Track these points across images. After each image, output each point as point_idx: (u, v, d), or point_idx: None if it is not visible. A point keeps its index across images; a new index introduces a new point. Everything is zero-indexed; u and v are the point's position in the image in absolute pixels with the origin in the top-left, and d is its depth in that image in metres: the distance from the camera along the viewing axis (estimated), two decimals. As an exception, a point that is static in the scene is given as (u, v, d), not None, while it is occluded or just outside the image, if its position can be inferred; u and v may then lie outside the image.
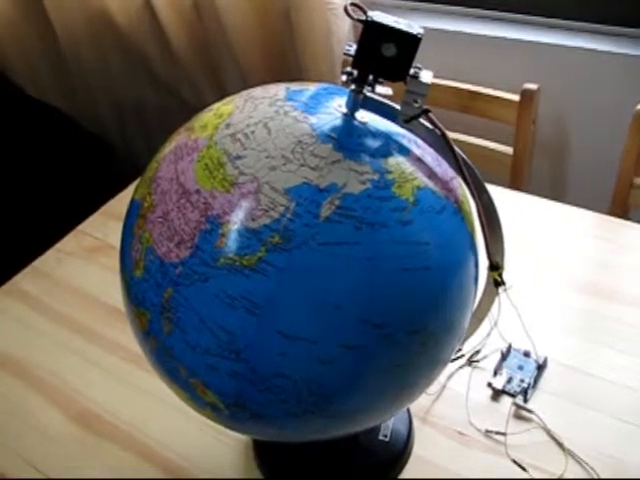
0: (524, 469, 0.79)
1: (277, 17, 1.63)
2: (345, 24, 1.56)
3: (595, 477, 0.77)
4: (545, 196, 1.21)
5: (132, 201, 0.63)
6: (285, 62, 1.72)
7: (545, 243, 1.11)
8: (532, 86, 1.40)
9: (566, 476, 0.78)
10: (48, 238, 1.22)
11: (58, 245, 1.21)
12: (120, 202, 1.25)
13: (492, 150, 1.50)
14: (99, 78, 1.95)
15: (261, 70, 1.74)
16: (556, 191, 1.70)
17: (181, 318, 0.55)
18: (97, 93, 1.99)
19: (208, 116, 0.61)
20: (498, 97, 1.45)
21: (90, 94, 2.00)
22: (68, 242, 1.21)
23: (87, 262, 1.16)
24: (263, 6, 1.63)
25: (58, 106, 1.99)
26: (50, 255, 1.19)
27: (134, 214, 0.61)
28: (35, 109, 1.95)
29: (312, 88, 0.63)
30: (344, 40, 1.56)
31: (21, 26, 1.89)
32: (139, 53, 1.86)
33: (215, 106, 0.64)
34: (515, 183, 1.50)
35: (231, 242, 0.52)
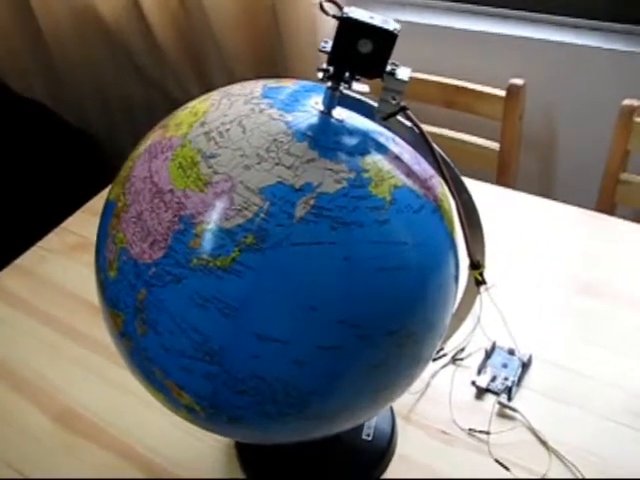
0: (507, 468, 0.78)
1: (263, 12, 1.62)
2: (331, 19, 1.55)
3: (579, 476, 0.77)
4: (532, 192, 1.21)
5: (107, 201, 0.62)
6: (271, 57, 1.71)
7: (531, 239, 1.10)
8: (518, 81, 1.39)
9: (549, 475, 0.78)
10: (31, 235, 1.21)
11: (41, 243, 1.20)
12: (104, 199, 1.24)
13: (478, 146, 1.50)
14: (85, 74, 1.94)
15: (247, 65, 1.73)
16: (543, 187, 1.70)
17: (155, 319, 0.54)
18: (83, 89, 1.98)
19: (184, 114, 0.61)
20: (484, 92, 1.45)
21: (76, 90, 1.99)
22: (51, 239, 1.21)
23: (70, 260, 1.15)
24: (249, 1, 1.62)
25: (44, 102, 1.98)
26: (33, 252, 1.18)
27: (109, 214, 0.60)
28: (20, 105, 1.94)
29: (290, 85, 0.62)
30: (330, 35, 1.54)
31: (6, 22, 1.88)
32: (125, 48, 1.85)
33: (191, 104, 0.63)
34: (502, 179, 1.49)
35: (205, 242, 0.52)
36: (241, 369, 0.53)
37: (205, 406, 0.56)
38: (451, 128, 1.50)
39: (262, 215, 0.51)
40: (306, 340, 0.52)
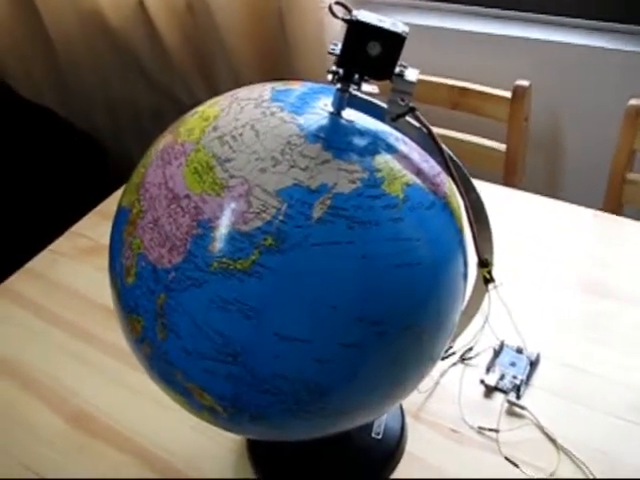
0: (516, 466, 0.79)
1: (270, 16, 1.63)
2: (338, 23, 1.56)
3: (587, 474, 0.77)
4: (538, 192, 1.22)
5: (120, 208, 0.63)
6: (278, 61, 1.72)
7: (539, 239, 1.11)
8: (524, 82, 1.40)
9: (558, 473, 0.78)
10: (42, 239, 1.22)
11: (52, 246, 1.21)
12: (114, 202, 1.23)
13: (485, 147, 1.50)
14: (93, 79, 1.94)
15: (254, 69, 1.73)
16: (549, 187, 1.71)
17: (176, 323, 0.54)
18: (91, 94, 1.99)
19: (194, 119, 0.61)
20: (490, 94, 1.46)
21: (84, 95, 1.99)
22: (62, 243, 1.21)
23: (81, 263, 1.16)
24: (255, 5, 1.62)
25: (52, 107, 1.99)
26: (44, 256, 1.19)
27: (122, 221, 0.60)
28: (29, 110, 1.95)
29: (298, 88, 0.63)
30: (337, 38, 1.55)
31: (15, 28, 1.88)
32: (132, 53, 1.86)
33: (200, 109, 0.63)
34: (508, 180, 1.50)
35: (224, 246, 0.52)
36: (263, 369, 0.54)
37: (227, 406, 0.57)
38: (457, 130, 1.51)
39: (280, 217, 0.52)
40: (327, 338, 0.53)
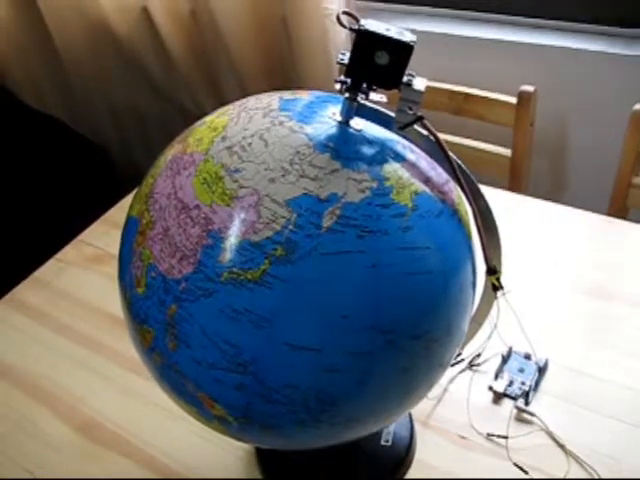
0: (526, 472, 0.79)
1: (274, 24, 1.64)
2: (342, 30, 1.56)
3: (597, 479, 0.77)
4: (544, 197, 1.22)
5: (129, 217, 0.63)
6: (283, 68, 1.72)
7: (544, 244, 1.11)
8: (529, 88, 1.40)
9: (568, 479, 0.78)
10: (48, 248, 1.22)
11: (59, 255, 1.21)
12: (120, 211, 1.25)
13: (490, 153, 1.50)
14: (98, 87, 1.96)
15: (259, 77, 1.74)
16: (555, 192, 1.70)
17: (186, 334, 0.55)
18: (96, 102, 2.00)
19: (202, 129, 0.61)
20: (495, 99, 1.46)
21: (89, 103, 2.00)
22: (69, 252, 1.21)
23: (88, 271, 1.16)
24: (260, 13, 1.63)
25: (58, 115, 2.00)
26: (51, 265, 1.19)
27: (132, 231, 0.60)
28: (35, 119, 1.95)
29: (305, 97, 0.63)
30: (341, 46, 1.56)
31: (20, 37, 1.90)
32: (138, 62, 1.87)
33: (208, 119, 0.63)
34: (514, 185, 1.50)
35: (234, 256, 0.52)
36: (274, 379, 0.54)
37: (238, 416, 0.57)
38: (462, 135, 1.51)
39: (290, 227, 0.52)
40: (338, 347, 0.53)
